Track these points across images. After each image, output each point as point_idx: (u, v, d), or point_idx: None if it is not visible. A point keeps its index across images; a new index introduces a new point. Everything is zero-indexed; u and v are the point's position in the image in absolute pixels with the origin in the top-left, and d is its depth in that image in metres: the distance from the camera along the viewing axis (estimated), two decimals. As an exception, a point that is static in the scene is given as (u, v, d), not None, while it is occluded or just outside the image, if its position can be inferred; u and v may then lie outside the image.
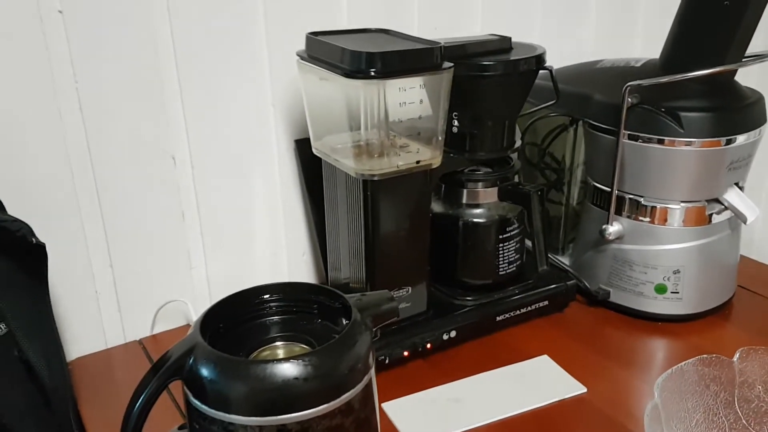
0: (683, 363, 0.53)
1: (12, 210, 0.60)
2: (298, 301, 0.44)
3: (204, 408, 0.37)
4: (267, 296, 0.44)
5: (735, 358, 0.55)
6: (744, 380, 0.55)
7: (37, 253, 0.58)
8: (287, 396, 0.36)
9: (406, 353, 0.66)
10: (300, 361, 0.36)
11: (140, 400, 0.37)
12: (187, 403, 0.38)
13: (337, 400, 0.37)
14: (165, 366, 0.37)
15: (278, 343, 0.43)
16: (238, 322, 0.43)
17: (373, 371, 0.40)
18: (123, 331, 0.74)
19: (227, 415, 0.36)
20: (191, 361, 0.37)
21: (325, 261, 0.75)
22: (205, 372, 0.36)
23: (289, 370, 0.36)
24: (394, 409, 0.61)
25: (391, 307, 0.42)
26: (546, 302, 0.74)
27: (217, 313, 0.42)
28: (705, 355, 0.54)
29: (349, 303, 0.41)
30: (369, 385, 0.39)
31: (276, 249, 0.80)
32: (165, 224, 0.72)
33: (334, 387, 0.37)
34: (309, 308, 0.44)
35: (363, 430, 0.39)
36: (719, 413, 0.54)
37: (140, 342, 0.74)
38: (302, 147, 0.76)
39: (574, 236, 0.83)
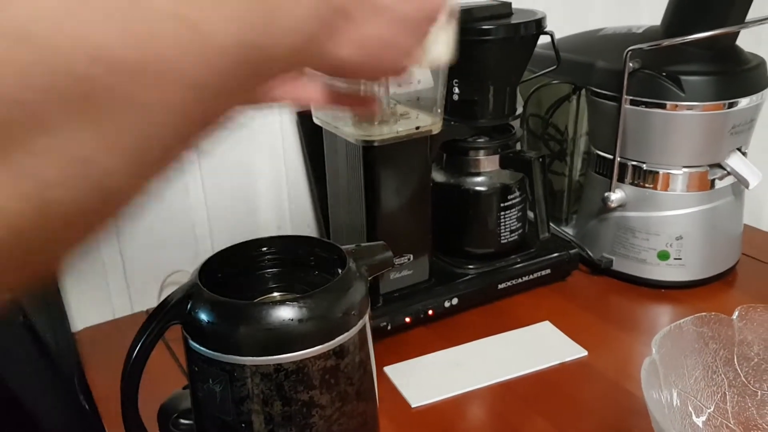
0: (681, 321, 0.53)
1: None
2: (295, 254, 0.45)
3: (202, 350, 0.38)
4: (265, 249, 0.45)
5: (734, 317, 0.55)
6: (743, 338, 0.55)
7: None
8: (283, 337, 0.37)
9: (407, 319, 0.67)
10: (295, 303, 0.37)
11: (141, 342, 0.37)
12: (187, 346, 0.39)
13: (331, 342, 0.38)
14: (165, 309, 0.38)
15: (275, 294, 0.43)
16: (236, 273, 0.44)
17: (367, 318, 0.41)
18: (130, 302, 0.75)
19: (225, 355, 0.37)
20: (190, 304, 0.38)
21: (328, 232, 0.75)
22: (203, 315, 0.37)
23: (284, 311, 0.37)
24: (396, 372, 0.62)
25: (386, 257, 0.43)
26: (548, 270, 0.74)
27: (215, 263, 0.42)
28: (704, 313, 0.54)
29: (344, 253, 0.42)
30: (363, 331, 0.40)
31: (281, 222, 0.81)
32: (170, 196, 0.73)
33: (328, 329, 0.38)
34: (306, 261, 0.45)
35: (358, 372, 0.39)
36: (719, 371, 0.54)
37: (147, 312, 0.75)
38: (304, 120, 0.77)
39: (577, 208, 0.83)
